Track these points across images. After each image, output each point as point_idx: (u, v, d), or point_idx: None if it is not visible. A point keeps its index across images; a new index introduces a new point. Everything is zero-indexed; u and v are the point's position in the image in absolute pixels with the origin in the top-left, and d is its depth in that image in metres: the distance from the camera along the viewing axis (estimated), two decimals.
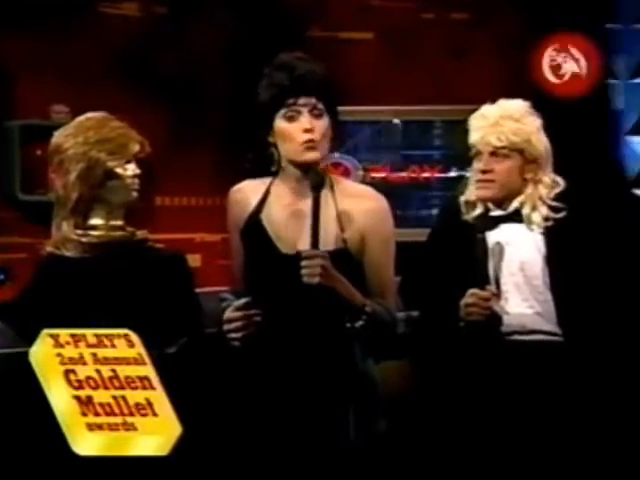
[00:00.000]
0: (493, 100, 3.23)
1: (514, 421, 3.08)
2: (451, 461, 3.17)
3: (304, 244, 2.69)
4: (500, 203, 3.18)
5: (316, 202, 2.67)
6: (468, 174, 3.29)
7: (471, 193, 3.21)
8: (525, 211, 3.16)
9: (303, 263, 2.62)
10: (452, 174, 4.94)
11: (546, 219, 3.14)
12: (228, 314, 2.70)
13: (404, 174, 5.05)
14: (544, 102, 4.76)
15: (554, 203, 3.14)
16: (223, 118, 5.18)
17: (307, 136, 2.72)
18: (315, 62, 2.79)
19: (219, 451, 2.83)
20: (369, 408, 2.76)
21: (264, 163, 2.82)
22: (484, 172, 3.15)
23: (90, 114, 2.86)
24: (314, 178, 2.72)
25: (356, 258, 2.78)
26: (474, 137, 3.15)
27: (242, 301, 2.70)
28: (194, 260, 5.09)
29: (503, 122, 3.14)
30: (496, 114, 3.15)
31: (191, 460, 2.70)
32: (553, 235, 3.14)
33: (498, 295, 3.07)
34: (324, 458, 2.72)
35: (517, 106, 3.19)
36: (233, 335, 2.69)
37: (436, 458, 3.25)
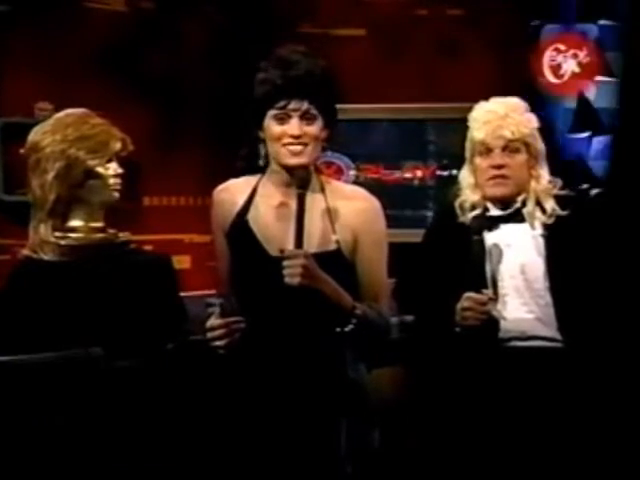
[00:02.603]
0: (487, 98, 3.21)
1: (513, 429, 3.04)
2: (447, 469, 3.10)
3: (293, 246, 2.62)
4: (507, 202, 3.13)
5: (301, 200, 2.62)
6: (461, 174, 3.23)
7: (470, 194, 3.15)
8: (529, 207, 3.12)
9: (285, 263, 2.59)
10: (446, 173, 4.87)
11: (550, 216, 3.10)
12: (210, 322, 2.65)
13: (398, 174, 4.99)
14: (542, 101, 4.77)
15: (561, 192, 3.14)
16: (212, 115, 5.17)
17: (293, 141, 2.67)
18: (314, 61, 2.73)
19: (208, 460, 2.77)
20: (360, 418, 2.72)
21: (256, 160, 2.78)
22: (498, 167, 3.10)
23: (70, 110, 2.80)
24: (300, 175, 2.67)
25: (349, 259, 2.73)
26: (483, 132, 3.10)
27: (220, 304, 2.64)
28: (183, 262, 5.05)
29: (512, 115, 3.12)
30: (504, 107, 3.13)
31: (183, 467, 2.67)
32: (555, 237, 3.11)
33: (495, 299, 2.99)
34: (316, 469, 2.67)
35: (518, 101, 3.18)
36: (217, 343, 2.63)
37: (432, 467, 3.19)
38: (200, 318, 2.79)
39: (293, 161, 2.68)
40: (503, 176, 3.10)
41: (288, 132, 2.67)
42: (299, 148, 2.67)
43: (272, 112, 2.69)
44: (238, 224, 2.76)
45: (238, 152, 2.83)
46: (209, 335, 2.64)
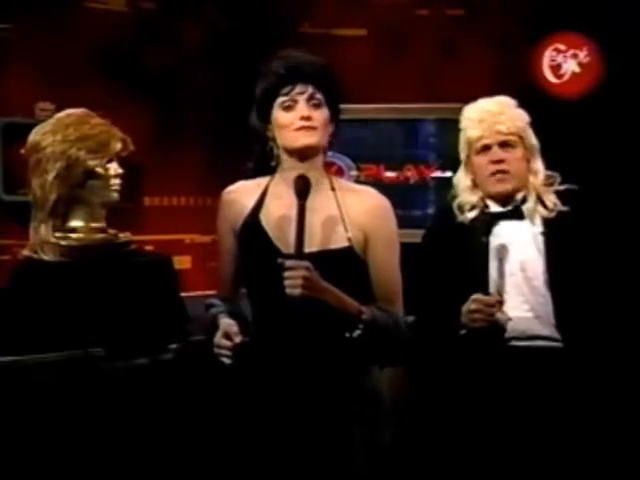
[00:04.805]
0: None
1: (513, 429, 3.02)
2: (449, 469, 3.10)
3: (307, 244, 2.60)
4: (508, 198, 3.13)
5: (301, 209, 2.60)
6: (456, 177, 3.22)
7: (468, 195, 3.15)
8: (529, 203, 3.12)
9: (285, 274, 2.56)
10: (447, 174, 4.86)
11: (551, 210, 3.10)
12: (217, 340, 2.62)
13: (398, 174, 4.98)
14: (542, 101, 4.77)
15: (561, 187, 3.14)
16: (212, 115, 5.15)
17: (303, 124, 2.66)
18: (315, 56, 2.74)
19: (210, 462, 2.77)
20: (374, 422, 2.70)
21: (265, 169, 2.77)
22: (498, 162, 3.10)
23: (70, 111, 2.79)
24: (299, 185, 2.64)
25: (361, 257, 2.72)
26: (480, 129, 3.11)
27: (229, 326, 2.62)
28: (184, 262, 5.05)
29: (506, 110, 3.14)
30: (496, 105, 3.15)
31: (185, 470, 2.67)
32: (554, 234, 3.08)
33: (501, 301, 2.98)
34: (329, 474, 2.65)
35: (507, 98, 3.19)
36: (224, 359, 2.62)
37: (434, 466, 3.18)
38: (200, 318, 2.78)
39: (304, 141, 2.67)
40: (504, 171, 3.09)
41: (297, 115, 2.66)
42: (309, 130, 2.66)
43: (279, 101, 2.69)
44: (250, 223, 2.73)
45: (244, 165, 2.82)
46: (215, 351, 2.62)
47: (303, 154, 2.69)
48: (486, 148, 3.11)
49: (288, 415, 2.65)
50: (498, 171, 3.09)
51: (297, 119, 2.66)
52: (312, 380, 2.65)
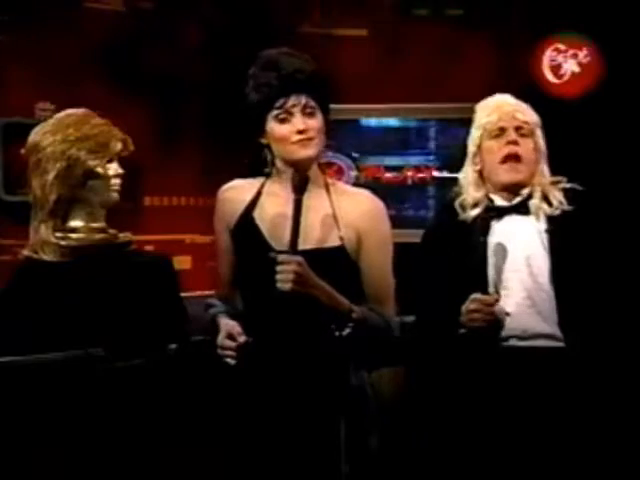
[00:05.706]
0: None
1: (514, 430, 3.01)
2: (447, 470, 3.09)
3: (300, 242, 2.61)
4: (516, 189, 3.13)
5: (297, 204, 2.62)
6: (462, 174, 3.22)
7: (473, 191, 3.16)
8: (535, 199, 3.12)
9: (277, 268, 2.56)
10: (447, 174, 4.86)
11: (555, 208, 3.10)
12: (220, 340, 2.63)
13: (398, 174, 4.99)
14: (542, 101, 4.76)
15: (567, 185, 3.15)
16: (212, 115, 5.15)
17: (301, 137, 2.66)
18: (302, 57, 2.74)
19: (208, 460, 2.77)
20: (361, 424, 2.69)
21: (259, 166, 2.77)
22: (513, 143, 3.11)
23: (70, 110, 2.79)
24: (297, 180, 2.64)
25: (352, 257, 2.72)
26: (496, 115, 3.13)
27: (232, 326, 2.64)
28: (184, 262, 5.04)
29: (523, 105, 3.19)
30: (514, 99, 3.20)
31: (183, 468, 2.66)
32: (559, 232, 3.08)
33: (498, 299, 2.98)
34: (313, 471, 2.65)
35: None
36: (227, 359, 2.64)
37: (432, 467, 3.18)
38: (200, 318, 2.79)
39: (302, 154, 2.67)
40: (517, 156, 3.10)
41: (293, 129, 2.66)
42: (306, 142, 2.67)
43: (273, 113, 2.68)
44: (244, 221, 2.74)
45: (242, 160, 2.82)
46: (219, 352, 2.64)
47: (301, 165, 2.70)
48: (502, 131, 3.11)
49: (275, 411, 2.65)
50: (510, 155, 3.09)
51: (293, 133, 2.67)
52: (299, 377, 2.65)
